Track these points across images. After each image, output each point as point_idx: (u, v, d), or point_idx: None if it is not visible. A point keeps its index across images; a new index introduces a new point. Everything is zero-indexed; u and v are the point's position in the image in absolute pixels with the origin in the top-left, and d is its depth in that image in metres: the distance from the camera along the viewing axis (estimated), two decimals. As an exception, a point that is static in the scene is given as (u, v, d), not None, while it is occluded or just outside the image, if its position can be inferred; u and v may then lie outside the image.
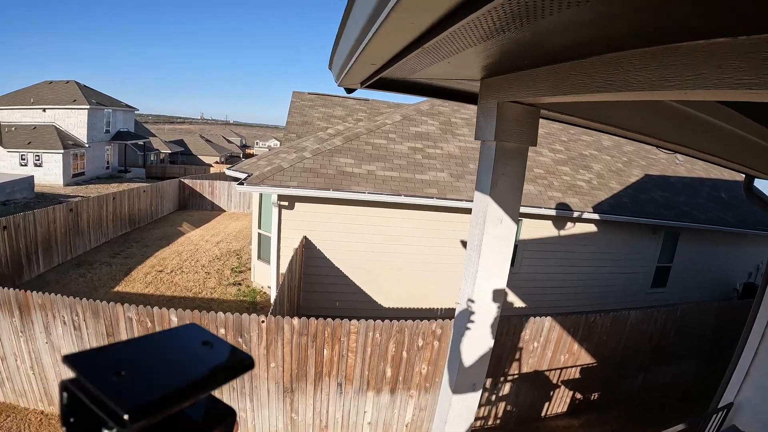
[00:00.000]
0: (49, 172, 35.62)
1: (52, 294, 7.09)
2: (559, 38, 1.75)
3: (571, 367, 9.03)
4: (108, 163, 44.10)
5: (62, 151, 35.49)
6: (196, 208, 27.70)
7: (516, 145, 3.18)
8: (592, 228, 13.72)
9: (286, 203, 11.32)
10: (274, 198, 11.14)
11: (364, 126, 13.75)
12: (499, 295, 3.56)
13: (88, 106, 39.44)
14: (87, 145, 39.21)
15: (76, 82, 42.87)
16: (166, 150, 62.02)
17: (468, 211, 11.47)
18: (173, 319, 6.79)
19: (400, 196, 11.12)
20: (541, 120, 3.26)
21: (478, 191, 3.35)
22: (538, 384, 8.81)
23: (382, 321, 7.17)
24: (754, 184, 6.63)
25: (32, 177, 30.11)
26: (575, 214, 12.62)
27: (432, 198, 11.32)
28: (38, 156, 35.58)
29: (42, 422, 7.56)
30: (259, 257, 13.75)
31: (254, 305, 12.71)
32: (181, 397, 0.41)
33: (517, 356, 8.35)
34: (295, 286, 10.32)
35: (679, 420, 6.14)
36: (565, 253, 13.59)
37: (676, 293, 16.16)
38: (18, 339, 7.39)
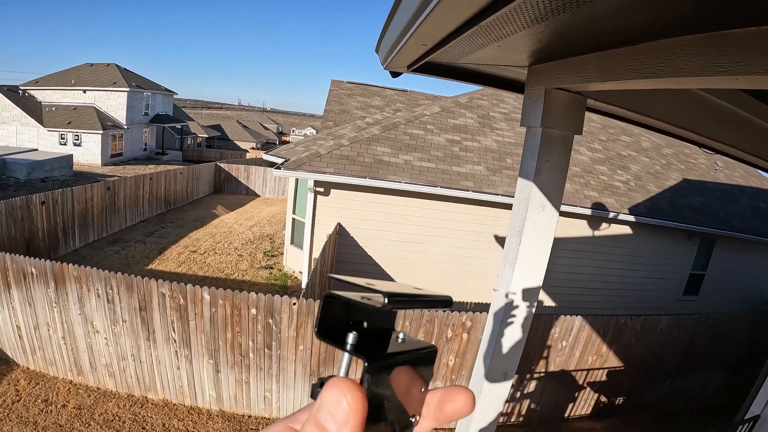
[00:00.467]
0: (88, 152, 36.37)
1: (88, 267, 7.26)
2: (611, 23, 1.75)
3: (598, 369, 8.98)
4: (146, 144, 44.86)
5: (101, 131, 36.19)
6: (231, 192, 28.04)
7: (561, 133, 3.17)
8: (626, 230, 13.55)
9: (321, 189, 11.41)
10: (310, 184, 11.24)
11: (402, 116, 13.76)
12: (537, 284, 3.56)
13: (127, 89, 40.12)
14: (126, 127, 39.93)
15: (117, 65, 43.59)
16: (203, 134, 62.79)
17: (504, 206, 11.48)
18: (205, 296, 6.91)
19: (436, 187, 11.13)
20: (582, 115, 3.24)
21: (521, 177, 3.35)
22: (564, 384, 8.77)
23: (413, 311, 7.19)
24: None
25: (71, 155, 30.79)
26: (611, 215, 12.48)
27: (468, 191, 11.31)
28: (77, 136, 36.32)
29: (70, 391, 7.75)
30: (292, 242, 13.89)
31: (285, 289, 12.84)
32: (411, 296, 0.50)
33: (544, 354, 8.32)
34: (327, 272, 10.39)
35: (705, 430, 6.07)
36: (598, 253, 13.46)
37: (708, 302, 15.82)
38: (52, 309, 7.59)
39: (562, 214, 12.07)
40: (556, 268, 12.73)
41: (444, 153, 12.39)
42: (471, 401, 0.53)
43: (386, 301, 0.44)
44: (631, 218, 12.76)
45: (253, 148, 65.98)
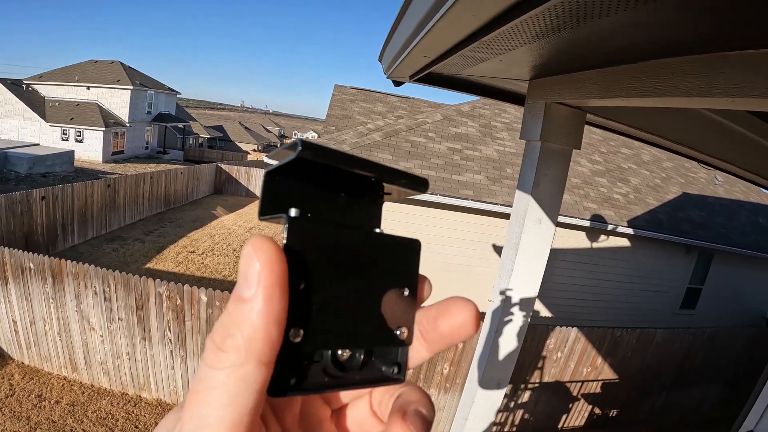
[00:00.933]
0: (89, 148, 36.48)
1: (86, 264, 7.29)
2: (611, 41, 1.77)
3: (593, 380, 9.00)
4: (147, 143, 44.96)
5: (103, 128, 36.32)
6: (232, 194, 28.10)
7: (560, 147, 3.20)
8: (625, 242, 13.56)
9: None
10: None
11: (404, 123, 13.78)
12: (532, 295, 3.59)
13: (131, 87, 40.27)
14: (128, 125, 40.08)
15: (121, 63, 43.80)
16: (205, 135, 62.90)
17: (503, 215, 11.49)
18: (203, 297, 6.93)
19: (436, 195, 11.14)
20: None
21: (519, 190, 3.38)
22: (558, 395, 8.78)
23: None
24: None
25: (72, 152, 30.91)
26: (609, 227, 12.50)
27: (467, 200, 11.32)
28: (80, 132, 36.45)
29: (64, 387, 7.77)
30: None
31: (284, 292, 12.80)
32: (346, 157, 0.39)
33: (539, 365, 8.34)
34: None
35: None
36: (596, 265, 13.45)
37: (705, 316, 15.81)
38: (48, 305, 7.61)
39: (561, 225, 12.11)
40: (553, 278, 12.74)
41: (445, 161, 12.40)
42: (474, 316, 0.42)
43: (299, 148, 0.34)
44: (630, 231, 12.76)
45: (254, 150, 66.14)
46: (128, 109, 40.44)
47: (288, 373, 0.36)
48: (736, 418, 7.44)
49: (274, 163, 0.38)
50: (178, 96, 52.60)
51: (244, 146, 70.30)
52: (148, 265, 13.71)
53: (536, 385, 8.49)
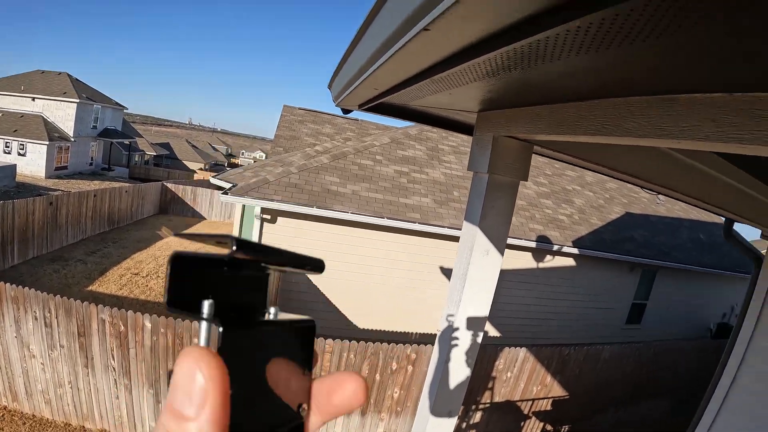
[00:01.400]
0: (32, 163, 35.28)
1: (26, 288, 6.98)
2: (561, 81, 1.78)
3: (544, 398, 9.09)
4: (92, 159, 43.75)
5: (47, 142, 35.19)
6: (177, 214, 27.52)
7: (508, 179, 3.22)
8: (570, 262, 13.83)
9: (268, 217, 11.29)
10: (257, 211, 11.10)
11: (352, 146, 13.79)
12: (480, 325, 3.59)
13: (77, 100, 39.19)
14: (73, 139, 38.90)
15: (69, 75, 42.62)
16: (151, 152, 61.75)
17: (450, 238, 11.58)
18: (147, 324, 6.74)
19: (383, 218, 11.16)
20: (528, 152, 3.32)
21: (466, 221, 3.38)
22: (510, 414, 8.83)
23: (357, 342, 7.17)
24: (734, 227, 6.78)
25: (15, 166, 29.87)
26: (555, 248, 12.73)
27: (414, 223, 11.37)
28: (23, 145, 35.26)
29: (4, 417, 7.42)
30: (236, 269, 13.66)
31: (228, 317, 12.59)
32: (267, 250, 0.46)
33: (489, 385, 8.37)
34: (272, 302, 10.26)
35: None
36: (544, 285, 13.68)
37: (650, 330, 16.33)
38: (-15, 331, 7.27)
39: (508, 246, 12.21)
40: (501, 299, 12.84)
41: (392, 184, 12.44)
42: (362, 389, 0.47)
43: (234, 247, 0.38)
44: (575, 251, 13.03)
45: (201, 169, 65.22)
46: (73, 123, 39.18)
47: None
48: (686, 429, 7.60)
49: (192, 252, 0.41)
50: (125, 111, 51.60)
51: (190, 165, 69.21)
52: (90, 288, 13.27)
53: (487, 405, 8.51)
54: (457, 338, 3.58)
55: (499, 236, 3.32)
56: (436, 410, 3.78)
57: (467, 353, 3.65)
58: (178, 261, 0.40)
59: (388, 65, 1.66)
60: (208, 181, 15.33)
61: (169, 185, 27.59)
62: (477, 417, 8.53)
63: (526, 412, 9.01)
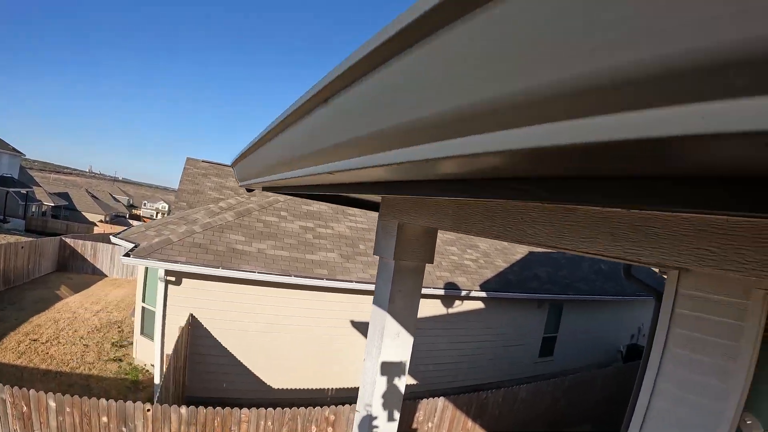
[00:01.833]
0: None
1: None
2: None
3: (462, 443, 9.15)
4: (-16, 211, 41.37)
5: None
6: (77, 271, 26.07)
7: (414, 264, 3.26)
8: (480, 305, 14.14)
9: (173, 279, 10.91)
10: (161, 273, 10.71)
11: (257, 202, 13.61)
12: (397, 400, 3.62)
13: (-32, 148, 37.09)
14: (-38, 191, 36.70)
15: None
16: (49, 202, 58.72)
17: (359, 291, 11.58)
18: (51, 404, 6.32)
19: (290, 276, 11.00)
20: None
21: (375, 305, 3.42)
22: (435, 463, 8.85)
23: (274, 409, 7.07)
24: (632, 270, 7.12)
25: None
26: (463, 293, 12.98)
27: (322, 279, 11.29)
28: None
29: None
30: (142, 332, 13.10)
31: (136, 384, 12.00)
32: None
33: (412, 438, 8.39)
34: (180, 368, 9.88)
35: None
36: (457, 329, 13.89)
37: (563, 361, 16.97)
38: None
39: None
40: (416, 347, 12.85)
41: (298, 240, 12.35)
42: None
43: None
44: (483, 294, 13.37)
45: (101, 221, 62.48)
46: (-35, 172, 37.16)
47: None
48: None
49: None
50: (22, 158, 49.26)
51: (90, 216, 65.84)
52: (-15, 358, 12.44)
53: (411, 457, 8.51)
54: (374, 416, 3.59)
55: (408, 317, 3.38)
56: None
57: (385, 426, 3.66)
58: None
59: (289, 180, 1.65)
60: (109, 236, 14.76)
61: (68, 240, 26.21)
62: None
63: (450, 458, 9.06)
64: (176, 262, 10.40)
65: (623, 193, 0.98)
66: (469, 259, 14.53)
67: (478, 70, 0.58)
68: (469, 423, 9.03)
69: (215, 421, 6.71)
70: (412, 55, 0.70)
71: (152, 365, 12.32)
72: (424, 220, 2.70)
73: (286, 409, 7.16)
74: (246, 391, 11.41)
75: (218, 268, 10.57)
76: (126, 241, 11.82)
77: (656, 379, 6.27)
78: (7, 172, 44.57)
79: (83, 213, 66.43)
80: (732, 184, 0.77)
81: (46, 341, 14.10)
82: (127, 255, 10.37)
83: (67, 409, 6.40)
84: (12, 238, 24.78)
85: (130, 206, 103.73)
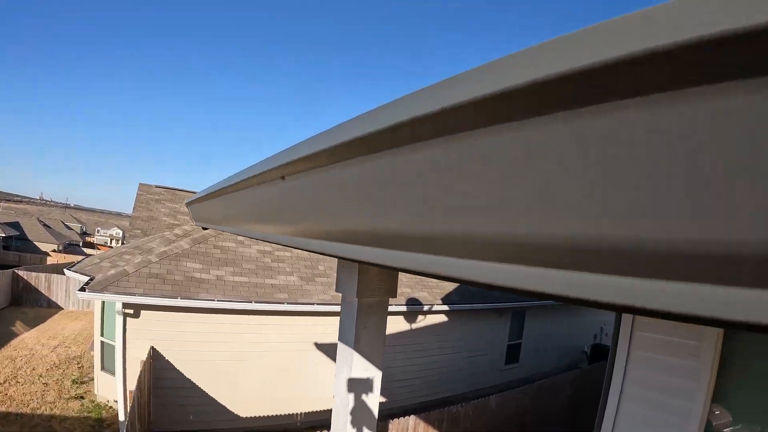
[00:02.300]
0: None
1: None
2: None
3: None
4: (-70, 246, 39.97)
5: None
6: (31, 304, 25.27)
7: (378, 299, 3.25)
8: (443, 318, 14.29)
9: (131, 311, 10.67)
10: (119, 306, 10.47)
11: (214, 227, 13.45)
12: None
13: None
14: None
15: None
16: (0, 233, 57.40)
17: (321, 313, 11.56)
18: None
19: (251, 302, 10.88)
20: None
21: (341, 342, 3.39)
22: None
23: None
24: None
25: None
26: (425, 308, 13.09)
27: (283, 303, 11.20)
28: None
29: None
30: (102, 368, 12.76)
31: (101, 422, 11.62)
32: None
33: (385, 459, 8.36)
34: (145, 403, 9.66)
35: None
36: (422, 343, 13.98)
37: (529, 366, 17.30)
38: None
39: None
40: (384, 365, 12.86)
41: (256, 265, 12.25)
42: None
43: None
44: (446, 307, 13.50)
45: (54, 251, 60.86)
46: None
47: None
48: None
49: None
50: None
51: (43, 246, 63.86)
52: (-60, 402, 11.95)
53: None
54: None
55: (375, 353, 3.35)
56: None
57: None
58: None
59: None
60: (63, 269, 14.38)
61: (20, 273, 25.43)
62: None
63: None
64: (133, 294, 10.20)
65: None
66: (430, 273, 14.64)
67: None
68: (443, 438, 9.06)
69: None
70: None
71: (115, 401, 12.01)
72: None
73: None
74: (213, 421, 11.23)
75: (176, 298, 10.39)
76: (80, 274, 11.56)
77: (623, 383, 6.44)
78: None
79: (35, 243, 64.61)
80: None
81: (4, 381, 13.66)
82: (82, 289, 10.12)
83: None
84: (-39, 274, 23.93)
85: (84, 234, 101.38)
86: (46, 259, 47.19)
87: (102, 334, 12.56)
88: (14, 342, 18.04)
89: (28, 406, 12.15)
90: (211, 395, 11.30)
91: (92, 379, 13.93)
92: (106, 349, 12.41)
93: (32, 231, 67.74)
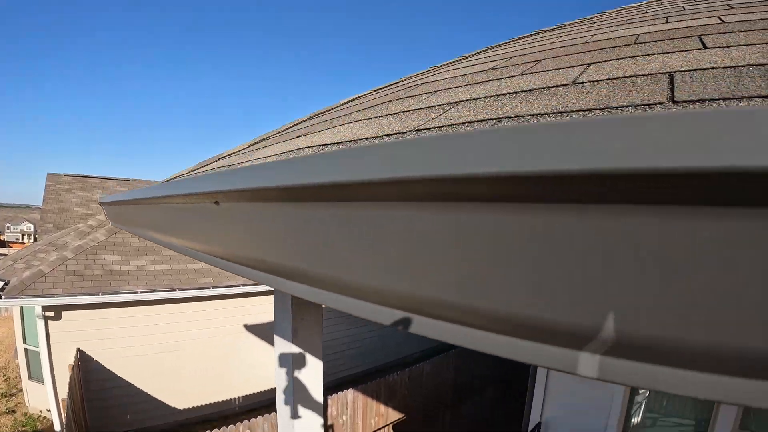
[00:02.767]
0: None
1: None
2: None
3: (384, 426, 9.29)
4: None
5: None
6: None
7: None
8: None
9: (52, 314, 10.15)
10: (38, 310, 9.94)
11: (128, 216, 12.91)
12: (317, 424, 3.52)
13: None
14: None
15: None
16: None
17: (249, 294, 11.47)
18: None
19: (175, 291, 10.61)
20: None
21: (278, 337, 3.39)
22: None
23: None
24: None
25: None
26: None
27: (208, 288, 11.01)
28: None
29: None
30: (30, 377, 12.10)
31: (38, 435, 11.14)
32: None
33: (330, 434, 8.39)
34: (80, 409, 9.25)
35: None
36: (347, 318, 14.01)
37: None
38: None
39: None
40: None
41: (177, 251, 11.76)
42: None
43: None
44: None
45: (-41, 254, 58.21)
46: None
47: None
48: (521, 411, 8.24)
49: None
50: None
51: (-55, 249, 61.43)
52: None
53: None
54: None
55: (314, 344, 3.33)
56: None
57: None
58: None
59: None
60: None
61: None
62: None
63: (372, 444, 9.12)
64: (51, 295, 9.71)
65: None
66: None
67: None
68: (382, 407, 9.19)
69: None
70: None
71: (48, 410, 11.46)
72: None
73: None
74: (152, 418, 10.99)
75: (98, 294, 9.98)
76: (-7, 278, 10.87)
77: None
78: None
79: (-63, 246, 61.38)
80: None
81: None
82: (-3, 297, 9.53)
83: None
84: None
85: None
86: (-47, 263, 44.67)
87: (24, 341, 11.91)
88: (-70, 356, 16.94)
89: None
90: (147, 391, 11.01)
91: (21, 390, 13.22)
92: (32, 357, 11.76)
93: (-63, 233, 64.36)
